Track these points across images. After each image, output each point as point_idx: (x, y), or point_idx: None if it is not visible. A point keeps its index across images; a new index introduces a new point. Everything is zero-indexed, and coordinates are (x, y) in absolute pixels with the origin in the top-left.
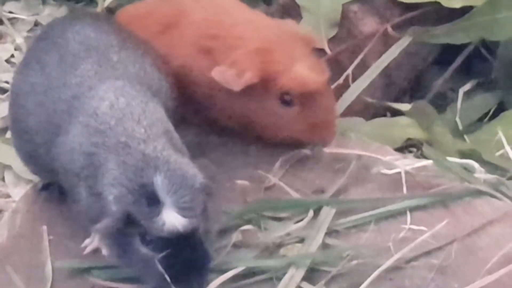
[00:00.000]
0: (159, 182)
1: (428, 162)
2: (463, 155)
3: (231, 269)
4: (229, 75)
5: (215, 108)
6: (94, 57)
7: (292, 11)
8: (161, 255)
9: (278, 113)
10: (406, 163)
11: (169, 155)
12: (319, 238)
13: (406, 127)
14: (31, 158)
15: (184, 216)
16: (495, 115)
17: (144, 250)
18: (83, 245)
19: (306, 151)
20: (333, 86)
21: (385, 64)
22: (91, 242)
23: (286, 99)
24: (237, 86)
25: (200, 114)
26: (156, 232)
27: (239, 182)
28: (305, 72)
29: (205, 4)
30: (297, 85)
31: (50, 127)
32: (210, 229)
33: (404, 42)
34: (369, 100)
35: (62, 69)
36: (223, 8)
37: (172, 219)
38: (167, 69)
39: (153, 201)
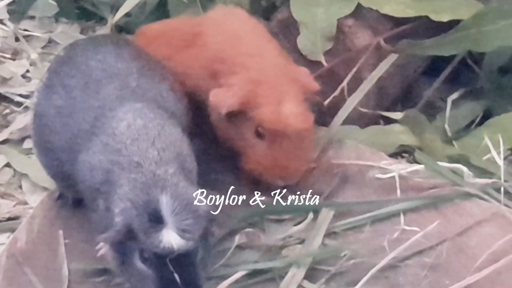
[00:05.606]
0: (164, 201)
1: (420, 166)
2: (452, 159)
3: (236, 271)
4: (220, 99)
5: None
6: (116, 83)
7: (290, 26)
8: (153, 272)
9: (251, 143)
10: (400, 168)
11: (178, 180)
12: (319, 239)
13: (399, 134)
14: (58, 173)
15: (182, 237)
16: (481, 122)
17: (140, 265)
18: (97, 246)
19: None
20: (330, 97)
21: (378, 76)
22: (105, 245)
23: (259, 131)
24: (222, 109)
25: (209, 126)
26: (152, 248)
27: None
28: (283, 113)
29: (224, 28)
30: (270, 121)
31: (74, 146)
32: (206, 258)
33: (395, 55)
34: (364, 110)
35: (86, 94)
36: (238, 34)
37: (170, 238)
38: (182, 91)
39: (156, 219)
